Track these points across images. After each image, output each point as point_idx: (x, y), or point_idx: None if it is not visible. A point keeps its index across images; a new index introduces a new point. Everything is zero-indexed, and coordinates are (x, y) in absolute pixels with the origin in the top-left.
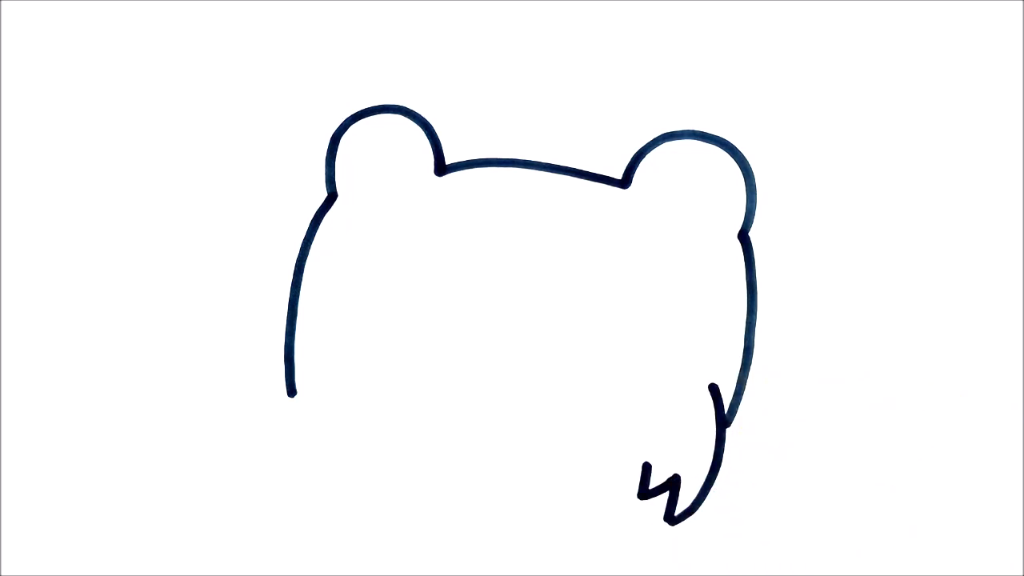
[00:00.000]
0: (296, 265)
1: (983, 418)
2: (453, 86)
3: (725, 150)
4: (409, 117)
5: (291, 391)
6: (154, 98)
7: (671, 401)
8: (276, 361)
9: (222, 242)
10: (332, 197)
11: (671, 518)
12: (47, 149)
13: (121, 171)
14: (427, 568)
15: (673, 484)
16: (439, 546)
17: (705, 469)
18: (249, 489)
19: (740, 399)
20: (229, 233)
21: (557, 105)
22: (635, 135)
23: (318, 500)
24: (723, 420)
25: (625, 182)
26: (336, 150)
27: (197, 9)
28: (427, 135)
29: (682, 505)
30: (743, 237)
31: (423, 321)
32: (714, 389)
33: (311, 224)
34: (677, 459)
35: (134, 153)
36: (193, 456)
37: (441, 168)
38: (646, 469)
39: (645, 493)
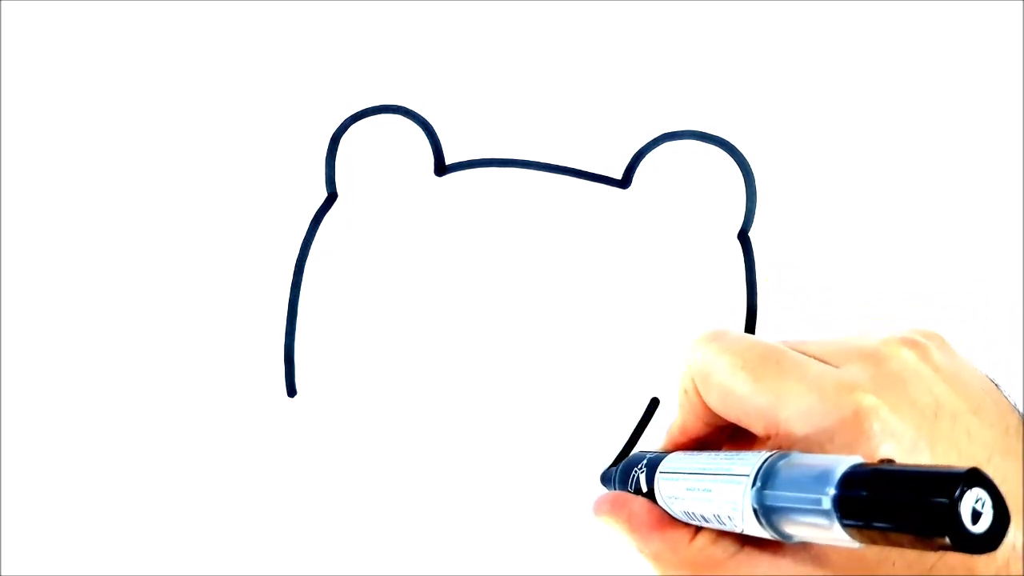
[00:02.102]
0: (296, 265)
1: None
2: (453, 86)
3: (725, 150)
4: (409, 117)
5: (291, 391)
6: (154, 98)
7: (671, 401)
8: (276, 361)
9: (222, 242)
10: (332, 197)
11: None
12: (46, 149)
13: (121, 171)
14: (427, 568)
15: None
16: (438, 546)
17: None
18: (249, 489)
19: None
20: (229, 233)
21: (557, 105)
22: (635, 135)
23: (318, 500)
24: None
25: (625, 182)
26: (336, 150)
27: (197, 9)
28: (427, 135)
29: None
30: (743, 237)
31: (423, 321)
32: None
33: (311, 224)
34: None
35: (134, 153)
36: (193, 456)
37: (441, 168)
38: None
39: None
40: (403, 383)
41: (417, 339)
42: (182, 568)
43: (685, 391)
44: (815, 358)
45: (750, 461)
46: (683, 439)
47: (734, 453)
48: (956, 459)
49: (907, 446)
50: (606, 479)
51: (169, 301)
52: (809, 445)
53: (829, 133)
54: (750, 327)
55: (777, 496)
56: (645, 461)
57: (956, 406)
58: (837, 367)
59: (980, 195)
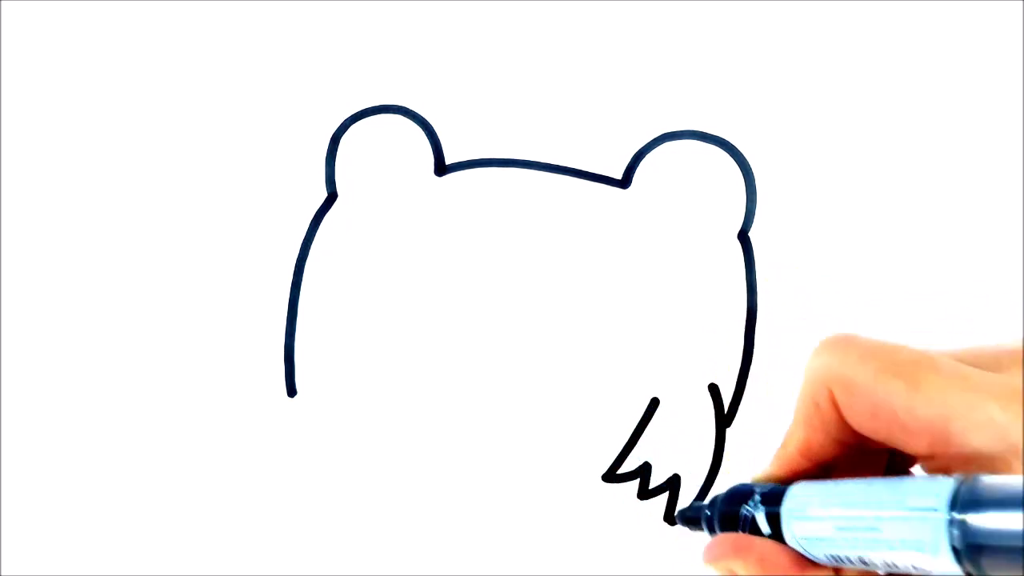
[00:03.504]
0: (296, 265)
1: None
2: (453, 86)
3: (725, 150)
4: (409, 117)
5: (291, 391)
6: (154, 98)
7: (671, 401)
8: (276, 361)
9: (222, 242)
10: (332, 197)
11: (671, 518)
12: (47, 149)
13: (121, 171)
14: (427, 568)
15: (673, 484)
16: (439, 546)
17: (705, 469)
18: (249, 489)
19: (740, 399)
20: (229, 233)
21: (557, 105)
22: (635, 135)
23: (318, 500)
24: (723, 420)
25: (625, 182)
26: (336, 150)
27: (197, 9)
28: (427, 135)
29: (682, 505)
30: (743, 237)
31: (423, 321)
32: (714, 389)
33: (311, 224)
34: (677, 459)
35: (134, 153)
36: (193, 456)
37: (441, 168)
38: (646, 469)
39: (645, 493)
40: (403, 383)
41: (417, 339)
42: (182, 568)
43: (816, 405)
44: (965, 362)
45: (932, 490)
46: (806, 463)
47: (895, 480)
48: None
49: None
50: (690, 520)
51: (169, 301)
52: (993, 464)
53: (829, 133)
54: (750, 327)
55: (987, 532)
56: (758, 496)
57: None
58: (996, 373)
59: (980, 194)
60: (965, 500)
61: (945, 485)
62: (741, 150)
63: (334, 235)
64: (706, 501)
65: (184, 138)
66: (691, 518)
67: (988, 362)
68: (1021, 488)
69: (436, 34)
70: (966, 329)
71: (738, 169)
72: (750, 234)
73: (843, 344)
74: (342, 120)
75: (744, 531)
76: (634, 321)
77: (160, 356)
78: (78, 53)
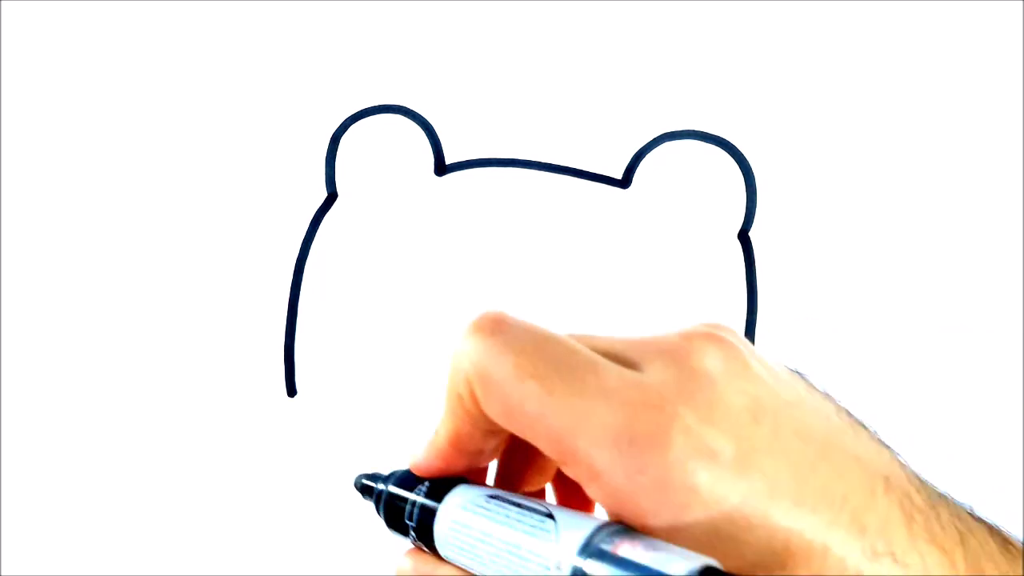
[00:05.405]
0: (296, 265)
1: (983, 417)
2: (453, 86)
3: (725, 150)
4: (409, 117)
5: (291, 391)
6: (155, 98)
7: None
8: (276, 361)
9: (222, 242)
10: (332, 197)
11: None
12: (47, 149)
13: (122, 171)
14: None
15: None
16: None
17: None
18: (249, 489)
19: None
20: (229, 233)
21: (557, 105)
22: (635, 135)
23: (318, 500)
24: None
25: (625, 182)
26: (336, 150)
27: (197, 9)
28: (427, 135)
29: None
30: (743, 237)
31: (423, 321)
32: None
33: (311, 224)
34: None
35: (135, 153)
36: (193, 456)
37: (441, 168)
38: None
39: None
40: (403, 383)
41: (417, 339)
42: (182, 568)
43: (459, 396)
44: (610, 357)
45: (570, 539)
46: (458, 455)
47: (539, 517)
48: (788, 470)
49: (728, 463)
50: (365, 489)
51: (169, 301)
52: (615, 480)
53: (829, 133)
54: (750, 327)
55: None
56: (425, 486)
57: (775, 401)
58: (637, 368)
59: (980, 194)
60: (594, 551)
61: (580, 531)
62: (741, 150)
63: (334, 235)
64: (386, 473)
65: (184, 138)
66: (367, 487)
67: (634, 354)
68: (646, 548)
69: (436, 34)
70: (965, 328)
71: (738, 169)
72: (750, 234)
73: (489, 329)
74: (342, 120)
75: (409, 514)
76: (634, 321)
77: (161, 356)
78: (78, 53)
